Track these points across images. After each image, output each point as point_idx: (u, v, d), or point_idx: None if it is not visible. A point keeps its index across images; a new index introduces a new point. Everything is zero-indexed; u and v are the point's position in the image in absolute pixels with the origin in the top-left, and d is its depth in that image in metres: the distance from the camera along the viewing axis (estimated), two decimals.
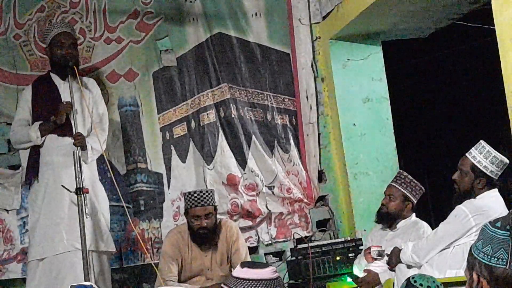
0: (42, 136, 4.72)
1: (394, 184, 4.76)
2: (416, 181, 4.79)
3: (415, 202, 4.75)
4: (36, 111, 4.82)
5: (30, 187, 4.88)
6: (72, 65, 4.75)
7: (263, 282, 2.32)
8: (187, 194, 4.83)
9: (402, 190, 4.71)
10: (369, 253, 4.63)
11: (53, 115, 4.71)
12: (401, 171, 4.92)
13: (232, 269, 4.87)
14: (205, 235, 4.76)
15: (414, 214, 4.76)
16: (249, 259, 4.93)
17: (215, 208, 4.83)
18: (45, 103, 4.82)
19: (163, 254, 4.87)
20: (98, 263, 4.82)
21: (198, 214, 4.72)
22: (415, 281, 3.00)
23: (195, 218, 4.73)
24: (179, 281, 4.81)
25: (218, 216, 5.16)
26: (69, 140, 4.71)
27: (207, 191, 4.82)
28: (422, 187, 4.82)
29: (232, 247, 4.86)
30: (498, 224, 1.68)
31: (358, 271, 4.83)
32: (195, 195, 4.75)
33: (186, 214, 4.83)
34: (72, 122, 4.68)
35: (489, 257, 1.66)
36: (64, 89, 4.82)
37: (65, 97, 4.78)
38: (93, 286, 2.97)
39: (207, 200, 4.74)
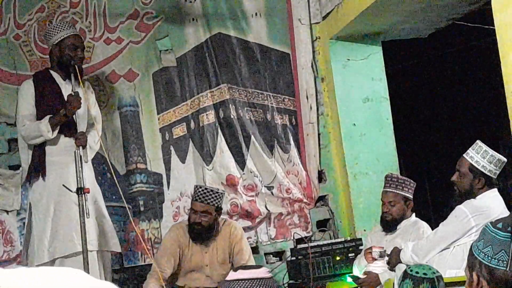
0: (53, 130, 4.68)
1: (390, 190, 4.74)
2: (404, 178, 4.82)
3: (412, 197, 4.75)
4: (40, 107, 4.80)
5: (30, 186, 4.85)
6: (75, 64, 4.74)
7: (259, 280, 2.33)
8: (195, 187, 4.91)
9: (399, 192, 4.70)
10: (370, 253, 4.63)
11: (62, 109, 4.69)
12: (388, 174, 4.90)
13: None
14: (198, 231, 4.77)
15: (414, 214, 4.76)
16: (252, 260, 4.93)
17: (217, 209, 4.82)
18: (48, 100, 4.79)
19: (162, 246, 4.92)
20: (104, 263, 4.82)
21: (195, 209, 4.76)
22: (411, 270, 3.05)
23: (193, 211, 4.78)
24: (178, 276, 4.84)
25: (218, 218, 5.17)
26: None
27: (213, 191, 4.83)
28: (412, 181, 4.83)
29: (235, 247, 4.86)
30: (499, 226, 1.67)
31: (357, 271, 4.83)
32: (201, 190, 4.81)
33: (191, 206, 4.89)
34: (77, 122, 4.69)
35: (489, 258, 1.66)
36: (66, 88, 4.82)
37: (66, 95, 4.77)
38: None
39: (210, 198, 4.75)
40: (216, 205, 4.78)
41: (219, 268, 4.85)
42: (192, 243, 4.83)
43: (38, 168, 4.73)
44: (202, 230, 4.78)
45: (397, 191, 4.70)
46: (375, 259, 4.59)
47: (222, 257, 4.86)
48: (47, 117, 4.68)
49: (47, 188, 4.72)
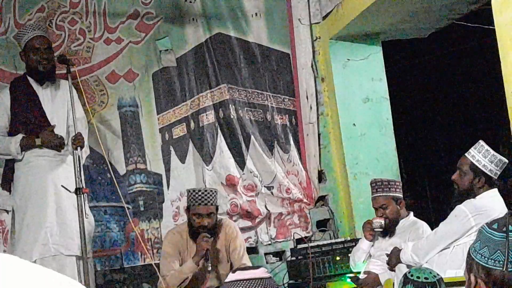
0: (22, 151, 4.61)
1: (378, 194, 4.74)
2: (389, 179, 4.83)
3: (402, 196, 4.75)
4: (15, 117, 4.73)
5: (10, 191, 4.81)
6: (72, 64, 4.69)
7: (257, 280, 2.33)
8: (191, 192, 4.77)
9: (388, 194, 4.70)
10: (370, 225, 4.64)
11: (38, 136, 4.61)
12: (372, 180, 4.90)
13: (232, 267, 4.86)
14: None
15: (412, 213, 4.76)
16: (246, 258, 4.91)
17: (217, 208, 4.80)
18: (25, 109, 4.73)
19: (163, 254, 4.84)
20: (85, 267, 4.77)
21: (200, 213, 4.67)
22: (411, 275, 3.03)
23: (196, 216, 4.69)
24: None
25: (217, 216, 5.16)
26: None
27: (211, 191, 4.78)
28: (397, 180, 4.85)
29: (230, 245, 4.84)
30: (495, 226, 1.68)
31: (353, 263, 4.84)
32: (200, 193, 4.71)
33: (187, 211, 4.79)
34: (69, 123, 4.67)
35: (486, 259, 1.66)
36: (43, 95, 4.75)
37: (44, 103, 4.71)
38: None
39: (210, 199, 4.70)
40: (216, 204, 4.78)
41: (219, 267, 4.81)
42: (191, 248, 4.74)
43: (9, 173, 4.70)
44: (208, 232, 4.71)
45: (386, 194, 4.70)
46: (376, 231, 4.60)
47: (221, 256, 4.82)
48: (20, 136, 4.63)
49: (24, 191, 4.65)
